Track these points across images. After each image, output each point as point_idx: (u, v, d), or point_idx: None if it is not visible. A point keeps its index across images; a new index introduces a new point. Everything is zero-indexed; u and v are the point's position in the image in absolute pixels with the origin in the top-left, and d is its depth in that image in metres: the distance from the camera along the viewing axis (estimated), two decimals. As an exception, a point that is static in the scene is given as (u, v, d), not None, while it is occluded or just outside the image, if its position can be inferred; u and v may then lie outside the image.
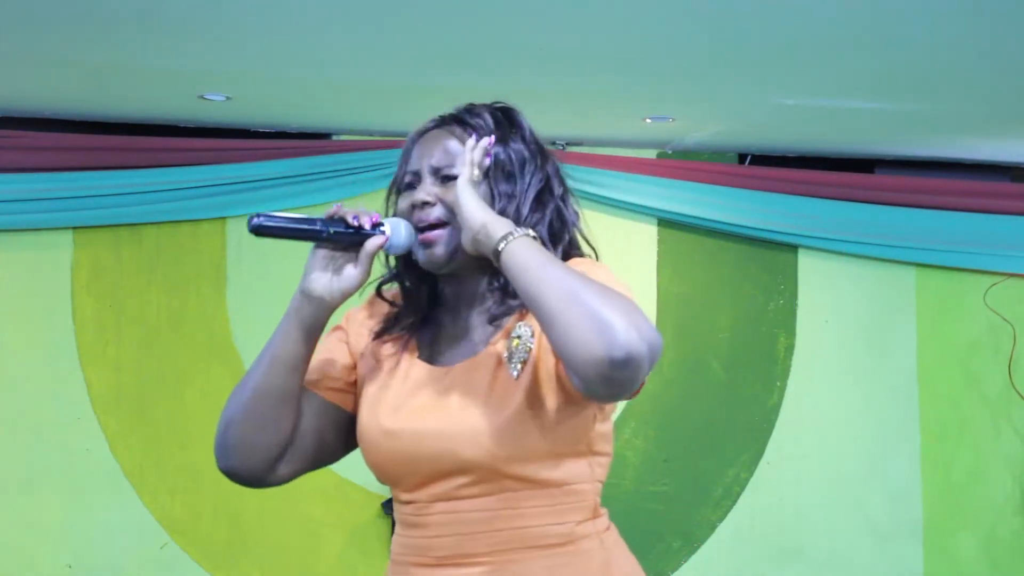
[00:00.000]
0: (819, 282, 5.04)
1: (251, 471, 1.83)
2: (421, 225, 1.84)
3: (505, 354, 1.81)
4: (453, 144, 1.86)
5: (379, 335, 1.90)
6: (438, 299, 1.91)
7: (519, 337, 1.82)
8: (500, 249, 1.73)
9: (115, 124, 4.48)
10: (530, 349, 1.80)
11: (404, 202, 1.86)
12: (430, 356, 1.87)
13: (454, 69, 3.71)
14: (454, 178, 1.83)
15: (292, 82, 3.93)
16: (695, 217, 4.89)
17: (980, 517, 5.07)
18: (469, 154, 1.83)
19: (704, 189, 4.87)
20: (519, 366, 1.79)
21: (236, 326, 4.56)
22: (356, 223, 1.78)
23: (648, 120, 4.42)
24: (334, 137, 4.66)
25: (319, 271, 1.80)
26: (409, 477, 1.81)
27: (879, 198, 4.98)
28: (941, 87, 3.92)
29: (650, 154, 4.96)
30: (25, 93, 4.13)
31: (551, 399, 1.78)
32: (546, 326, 1.66)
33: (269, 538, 4.54)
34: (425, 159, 1.86)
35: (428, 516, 1.80)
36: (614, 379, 1.61)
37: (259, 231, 1.73)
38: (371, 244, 1.79)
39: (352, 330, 1.92)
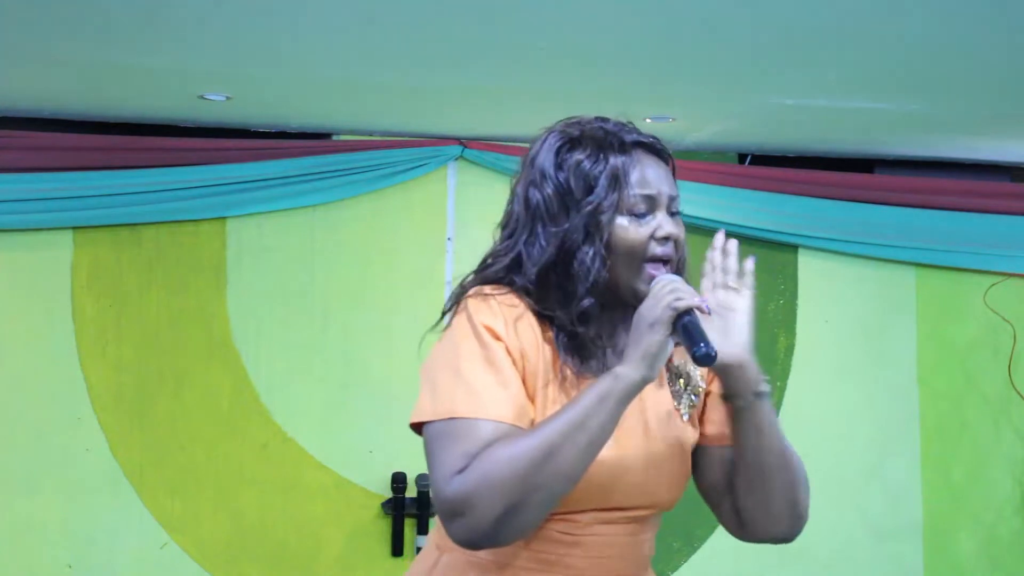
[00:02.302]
0: (819, 282, 5.03)
1: (511, 542, 1.71)
2: (655, 256, 1.81)
3: (670, 386, 1.85)
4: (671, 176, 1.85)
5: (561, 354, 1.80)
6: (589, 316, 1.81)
7: (688, 376, 1.86)
8: (756, 396, 1.78)
9: (115, 124, 4.47)
10: (700, 391, 1.87)
11: (643, 230, 1.80)
12: (595, 374, 1.78)
13: (454, 69, 3.71)
14: (676, 212, 1.84)
15: (292, 82, 3.93)
16: (695, 217, 4.84)
17: (980, 517, 5.07)
18: (731, 259, 1.90)
19: (704, 189, 4.86)
20: (688, 409, 1.86)
21: (236, 326, 4.56)
22: (705, 306, 1.73)
23: (648, 120, 4.41)
24: (334, 137, 4.66)
25: (663, 356, 1.69)
26: (588, 500, 1.76)
27: (879, 198, 4.97)
28: (941, 87, 3.91)
29: (650, 154, 4.95)
30: (25, 93, 4.13)
31: None
32: (750, 481, 1.81)
33: (269, 538, 4.54)
34: (662, 186, 1.82)
35: (584, 536, 1.79)
36: (771, 544, 1.85)
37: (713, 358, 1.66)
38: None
39: (512, 345, 1.76)
